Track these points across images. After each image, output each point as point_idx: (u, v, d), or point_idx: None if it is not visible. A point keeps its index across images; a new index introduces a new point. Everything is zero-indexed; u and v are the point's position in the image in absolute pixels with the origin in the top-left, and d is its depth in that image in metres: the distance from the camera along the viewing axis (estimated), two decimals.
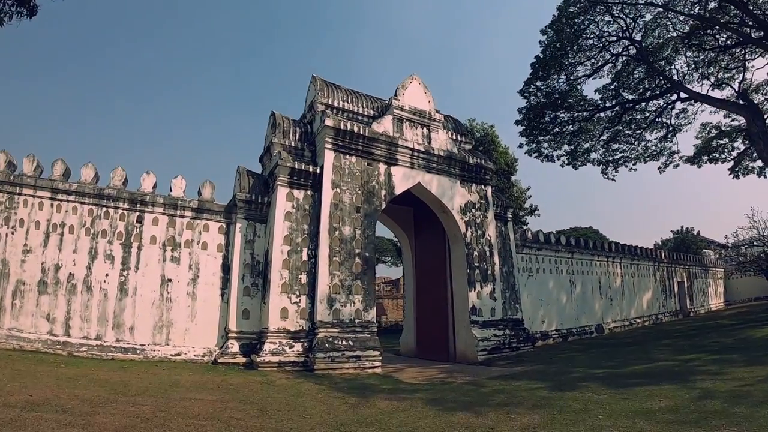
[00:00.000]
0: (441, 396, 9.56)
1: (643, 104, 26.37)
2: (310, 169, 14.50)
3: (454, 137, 18.13)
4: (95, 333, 12.59)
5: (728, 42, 22.95)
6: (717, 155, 28.57)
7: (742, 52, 23.76)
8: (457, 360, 16.25)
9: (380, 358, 13.65)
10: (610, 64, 25.48)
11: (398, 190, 15.67)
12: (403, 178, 15.83)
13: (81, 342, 12.29)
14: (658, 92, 25.29)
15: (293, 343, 13.13)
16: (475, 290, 16.51)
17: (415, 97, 16.91)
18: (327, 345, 12.95)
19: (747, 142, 26.82)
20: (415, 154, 16.10)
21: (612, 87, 25.84)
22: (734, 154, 28.16)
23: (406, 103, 16.60)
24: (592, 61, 25.24)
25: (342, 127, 14.73)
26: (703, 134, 28.76)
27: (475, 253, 16.91)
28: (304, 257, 14.03)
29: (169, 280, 13.77)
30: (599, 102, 26.26)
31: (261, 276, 14.26)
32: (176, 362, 12.80)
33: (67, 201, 13.06)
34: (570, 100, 25.90)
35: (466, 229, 16.89)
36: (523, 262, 20.09)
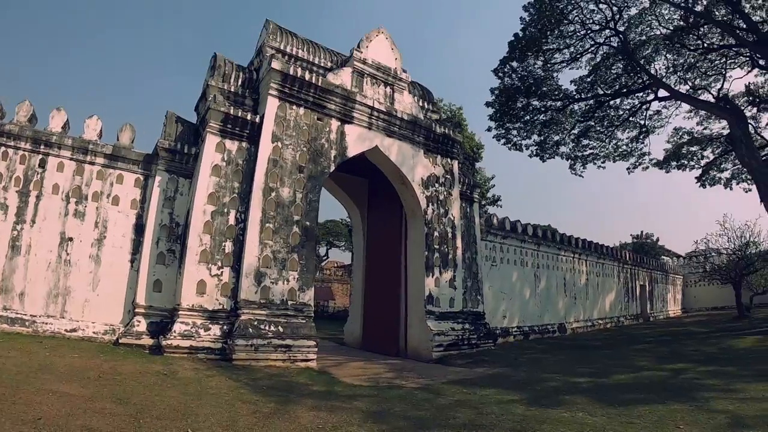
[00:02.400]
0: (386, 407, 7.03)
1: (618, 101, 24.73)
2: (248, 117, 11.76)
3: (420, 104, 15.47)
4: None
5: (713, 45, 21.44)
6: (686, 162, 27.40)
7: (723, 60, 22.51)
8: (409, 355, 13.66)
9: (316, 349, 10.94)
10: (590, 55, 23.58)
11: (351, 152, 12.95)
12: (358, 139, 13.11)
13: None
14: (635, 89, 23.48)
15: (210, 325, 10.41)
16: (433, 276, 13.90)
17: (380, 52, 14.23)
18: (251, 330, 10.24)
19: (719, 151, 25.97)
20: (375, 113, 13.41)
21: (589, 79, 23.98)
22: (703, 162, 27.06)
23: (369, 56, 13.94)
24: (572, 49, 23.23)
25: (291, 73, 12.00)
26: (675, 139, 27.39)
27: (436, 233, 14.29)
28: (231, 221, 11.23)
29: (70, 239, 10.95)
30: (574, 93, 24.34)
31: (180, 241, 11.44)
32: (70, 339, 10.15)
33: None
34: (544, 88, 23.91)
35: (427, 206, 14.25)
36: (486, 250, 17.63)
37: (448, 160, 15.25)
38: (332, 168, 12.48)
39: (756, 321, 22.04)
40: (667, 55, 23.19)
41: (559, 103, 24.35)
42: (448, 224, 14.68)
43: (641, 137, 25.75)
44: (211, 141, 11.39)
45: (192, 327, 10.19)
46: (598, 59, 23.47)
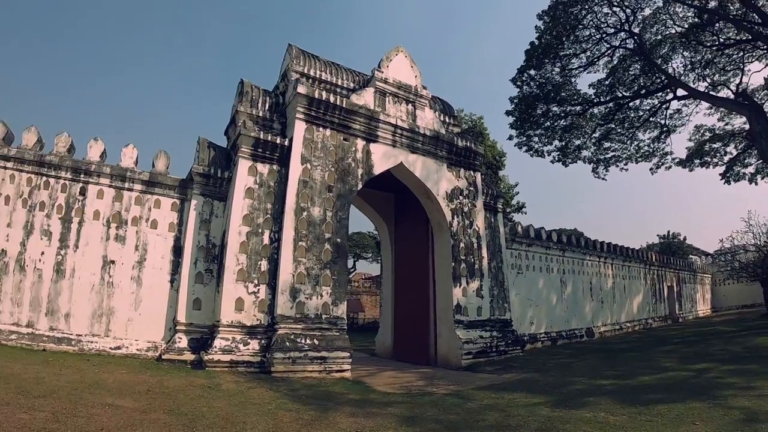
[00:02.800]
0: (419, 412, 7.36)
1: (637, 102, 24.65)
2: (278, 141, 12.23)
3: (441, 118, 15.84)
4: (27, 319, 10.48)
5: (729, 40, 21.28)
6: (709, 159, 27.18)
7: (740, 54, 22.27)
8: (439, 363, 13.96)
9: (350, 360, 11.36)
10: (607, 58, 23.67)
11: (377, 170, 13.36)
12: (383, 157, 13.52)
13: (10, 329, 10.22)
14: (653, 89, 23.42)
15: (249, 340, 10.86)
16: (460, 286, 14.20)
17: (400, 71, 14.63)
18: (288, 343, 10.66)
19: (742, 146, 25.69)
20: (398, 131, 13.80)
21: (607, 82, 24.05)
22: (726, 159, 26.77)
23: (390, 75, 14.34)
24: (588, 53, 23.33)
25: (316, 96, 12.47)
26: (697, 137, 27.31)
27: (462, 244, 14.60)
28: (266, 240, 11.71)
29: (112, 262, 11.48)
30: (593, 97, 24.33)
31: (216, 261, 11.96)
32: (115, 357, 10.63)
33: (5, 168, 10.86)
34: (563, 94, 24.04)
35: (453, 218, 14.58)
36: (512, 258, 17.81)
37: (471, 172, 15.56)
38: (360, 186, 12.91)
39: None
40: (684, 52, 23.09)
41: (578, 108, 24.36)
42: (473, 235, 14.99)
43: (662, 137, 25.71)
44: (243, 165, 11.89)
45: (232, 342, 10.65)
46: (615, 62, 23.51)
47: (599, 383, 9.48)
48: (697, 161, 27.25)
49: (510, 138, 25.00)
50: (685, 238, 49.95)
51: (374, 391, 9.59)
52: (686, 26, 21.49)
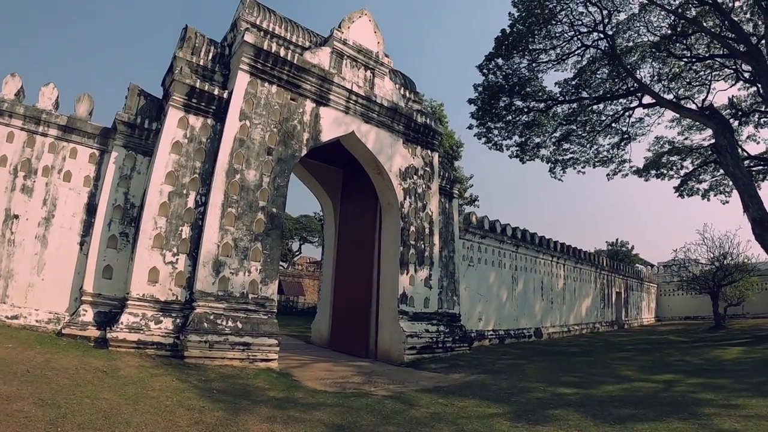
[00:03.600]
0: (352, 420, 6.00)
1: (601, 107, 24.19)
2: (216, 92, 10.58)
3: (402, 92, 14.37)
4: None
5: (699, 55, 21.06)
6: (665, 171, 27.00)
7: (708, 71, 22.26)
8: (379, 357, 12.60)
9: (277, 348, 9.77)
10: (576, 57, 22.94)
11: (326, 137, 11.83)
12: (333, 123, 12.00)
13: None
14: (619, 94, 22.93)
15: (162, 318, 9.21)
16: (407, 273, 12.84)
17: (362, 34, 13.15)
18: (206, 324, 9.07)
19: (698, 162, 25.68)
20: (353, 97, 12.31)
21: (573, 83, 23.39)
22: (682, 173, 26.67)
23: (350, 37, 12.85)
24: (558, 51, 22.52)
25: (265, 47, 10.86)
26: (656, 147, 27.01)
27: (412, 228, 13.23)
28: (190, 204, 10.03)
29: (15, 217, 9.61)
30: (558, 95, 23.68)
31: (134, 224, 10.18)
32: (10, 328, 8.92)
33: None
34: (528, 89, 23.19)
35: (404, 198, 13.19)
36: (464, 250, 16.59)
37: (429, 151, 14.22)
38: (304, 151, 11.35)
39: (734, 332, 21.53)
40: (653, 63, 22.78)
41: (542, 105, 23.63)
42: (425, 219, 13.65)
43: (622, 144, 25.29)
44: (173, 115, 10.19)
45: (141, 319, 9.01)
46: (584, 63, 22.86)
47: (560, 392, 8.37)
48: (653, 172, 27.00)
49: (470, 127, 23.94)
50: (632, 247, 50.34)
51: (302, 387, 8.18)
52: (659, 36, 21.09)
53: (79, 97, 10.90)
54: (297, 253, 59.30)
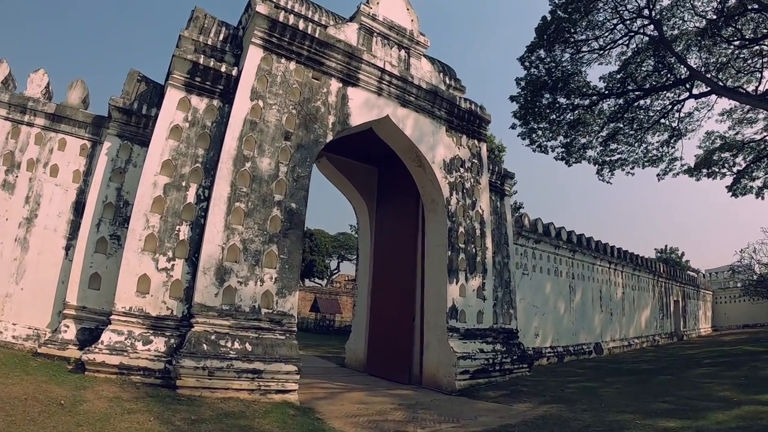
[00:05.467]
0: None
1: (648, 102, 21.63)
2: (223, 69, 8.52)
3: (441, 77, 11.94)
4: None
5: (750, 37, 18.20)
6: (716, 169, 23.88)
7: (757, 59, 19.42)
8: (424, 383, 10.05)
9: (297, 376, 7.38)
10: (620, 48, 20.44)
11: (355, 121, 9.52)
12: (364, 106, 9.69)
13: None
14: (669, 85, 20.23)
15: (152, 337, 7.10)
16: (457, 283, 10.30)
17: (393, 10, 10.91)
18: (206, 346, 6.84)
19: (750, 157, 22.83)
20: (386, 76, 10.01)
21: (618, 76, 20.83)
22: (735, 169, 23.60)
23: (380, 13, 10.59)
24: (601, 41, 20.15)
25: (281, 19, 8.75)
26: (707, 144, 23.98)
27: (461, 229, 10.72)
28: (190, 198, 7.87)
29: None
30: (603, 90, 21.09)
31: (128, 225, 8.00)
32: None
33: None
34: (572, 84, 20.71)
35: (451, 194, 10.70)
36: (517, 256, 13.95)
37: (476, 141, 11.74)
38: (329, 137, 9.03)
39: None
40: (699, 53, 20.08)
41: (587, 101, 21.06)
42: (475, 218, 11.12)
43: (672, 141, 22.53)
44: (172, 95, 8.15)
45: (127, 338, 6.93)
46: (628, 54, 20.40)
47: (662, 425, 5.99)
48: (704, 170, 24.01)
49: (513, 127, 21.55)
50: (683, 254, 46.27)
51: (325, 430, 5.75)
52: (705, 21, 18.58)
53: (72, 83, 9.29)
54: (335, 271, 57.32)
